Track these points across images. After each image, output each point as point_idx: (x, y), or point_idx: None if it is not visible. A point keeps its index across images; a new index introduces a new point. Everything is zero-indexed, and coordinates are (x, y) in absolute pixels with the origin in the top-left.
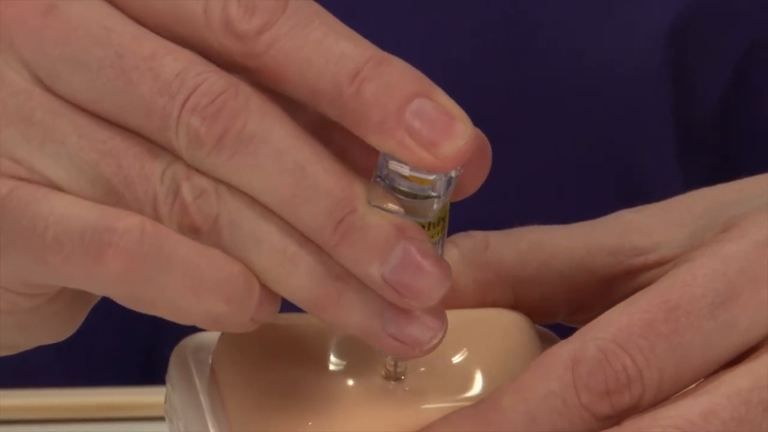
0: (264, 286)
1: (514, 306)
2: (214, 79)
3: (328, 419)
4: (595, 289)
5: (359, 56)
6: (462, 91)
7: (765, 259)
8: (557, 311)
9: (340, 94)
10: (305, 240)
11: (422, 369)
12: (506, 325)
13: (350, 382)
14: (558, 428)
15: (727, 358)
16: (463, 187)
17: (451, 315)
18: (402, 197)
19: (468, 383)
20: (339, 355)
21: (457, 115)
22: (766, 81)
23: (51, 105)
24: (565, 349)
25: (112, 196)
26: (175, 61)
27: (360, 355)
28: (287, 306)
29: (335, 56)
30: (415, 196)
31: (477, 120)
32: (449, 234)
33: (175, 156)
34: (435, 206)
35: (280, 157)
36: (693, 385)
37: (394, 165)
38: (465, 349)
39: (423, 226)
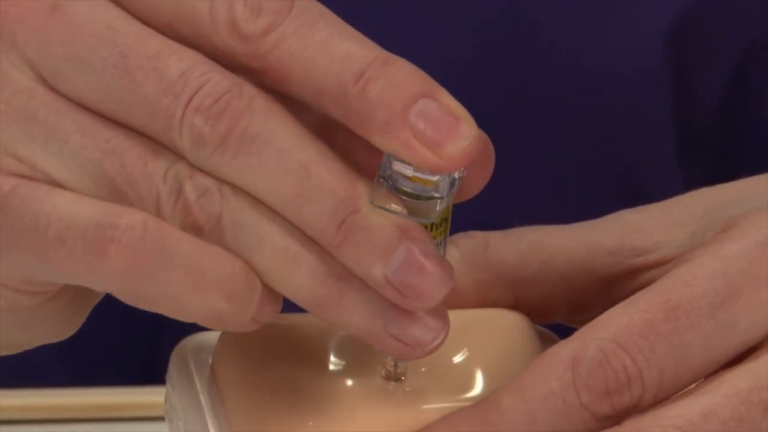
0: (266, 286)
1: (514, 306)
2: (218, 79)
3: (328, 419)
4: (595, 289)
5: (364, 56)
6: (462, 91)
7: (765, 259)
8: (557, 311)
9: (345, 94)
10: (308, 240)
11: (422, 369)
12: (506, 326)
13: (350, 383)
14: (558, 428)
15: (727, 358)
16: (466, 188)
17: (451, 315)
18: (405, 198)
19: (468, 383)
20: (339, 356)
21: (462, 115)
22: (766, 81)
23: (54, 104)
24: (565, 349)
25: (115, 194)
26: (179, 61)
27: (360, 356)
28: (288, 306)
29: (340, 56)
30: (418, 197)
31: (477, 120)
32: (450, 234)
33: (178, 155)
34: (438, 207)
35: (284, 157)
36: (693, 385)
37: (397, 165)
38: (465, 349)
39: (426, 227)
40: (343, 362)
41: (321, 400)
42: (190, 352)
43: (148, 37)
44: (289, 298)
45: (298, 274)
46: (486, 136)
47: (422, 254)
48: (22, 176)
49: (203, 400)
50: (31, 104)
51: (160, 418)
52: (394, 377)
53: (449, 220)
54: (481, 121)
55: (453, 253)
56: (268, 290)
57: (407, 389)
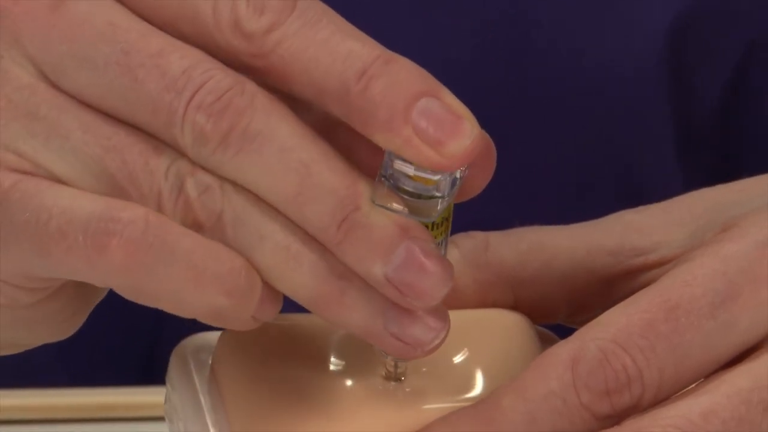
0: (266, 285)
1: (514, 306)
2: (220, 76)
3: (328, 419)
4: (595, 290)
5: (367, 55)
6: (462, 91)
7: (765, 259)
8: (557, 312)
9: (347, 93)
10: (309, 238)
11: (422, 369)
12: (506, 326)
13: (350, 383)
14: (558, 428)
15: (727, 357)
16: (467, 188)
17: (452, 315)
18: (406, 197)
19: (468, 384)
20: (339, 356)
21: (464, 114)
22: (766, 81)
23: (56, 100)
24: (564, 348)
25: (116, 191)
26: (181, 58)
27: (360, 356)
28: (288, 305)
29: (342, 55)
30: (419, 196)
31: (477, 120)
32: (450, 234)
33: (179, 153)
34: (439, 206)
35: (285, 155)
36: (693, 385)
37: (399, 164)
38: (465, 349)
39: (427, 226)
40: (344, 362)
41: (321, 401)
42: (190, 353)
43: (150, 35)
44: (289, 297)
45: (299, 273)
46: (488, 135)
47: (423, 253)
48: (24, 172)
49: (203, 400)
50: (32, 101)
51: (160, 418)
52: (395, 377)
53: (450, 220)
54: (481, 121)
55: (453, 253)
56: (269, 288)
57: (407, 389)
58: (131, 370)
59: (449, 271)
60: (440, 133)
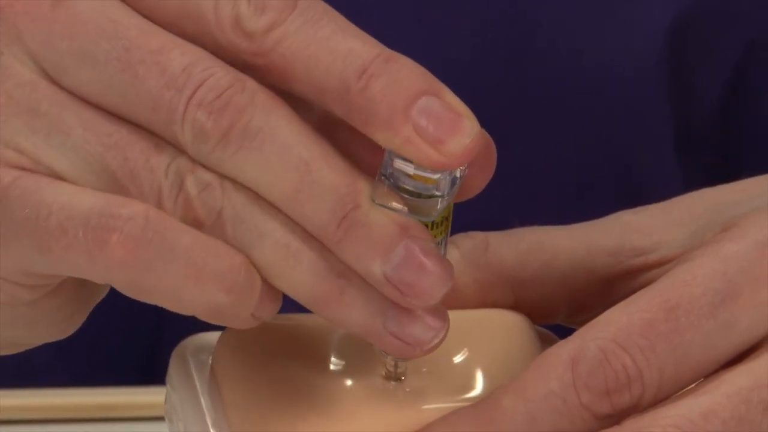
0: (266, 283)
1: (514, 306)
2: (220, 74)
3: (328, 419)
4: (595, 290)
5: (367, 53)
6: (462, 91)
7: (765, 259)
8: (557, 312)
9: (348, 91)
10: (308, 236)
11: (423, 369)
12: (506, 326)
13: (350, 383)
14: (558, 428)
15: (727, 357)
16: (467, 187)
17: (452, 315)
18: (406, 196)
19: (468, 384)
20: (339, 356)
21: (464, 113)
22: (766, 81)
23: (57, 97)
24: (564, 348)
25: (116, 188)
26: (182, 55)
27: (360, 356)
28: (288, 305)
29: (343, 53)
30: (419, 195)
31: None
32: (450, 234)
33: (180, 150)
34: (439, 206)
35: (285, 153)
36: (693, 385)
37: (399, 163)
38: (465, 349)
39: (426, 226)
40: (343, 362)
41: (321, 401)
42: (190, 353)
43: (151, 32)
44: (289, 295)
45: (299, 271)
46: (488, 134)
47: (422, 252)
48: (24, 169)
49: (203, 400)
50: (33, 97)
51: (160, 418)
52: (395, 377)
53: (450, 219)
54: (481, 121)
55: (453, 254)
56: (268, 287)
57: (407, 389)
58: (131, 370)
59: (449, 271)
60: (440, 131)
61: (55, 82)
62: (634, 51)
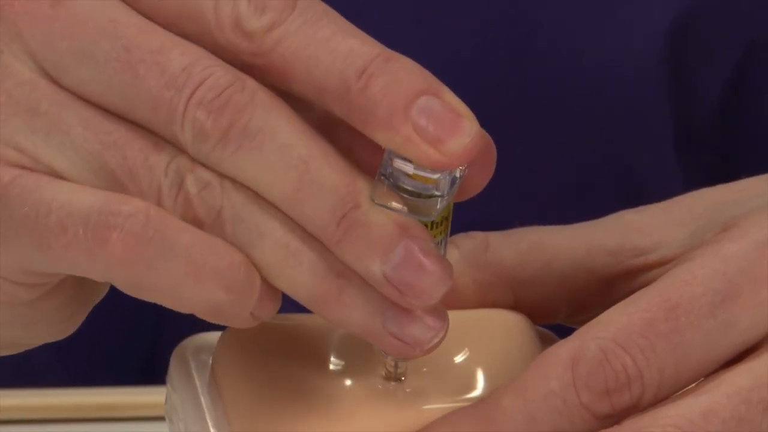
0: (265, 283)
1: (514, 306)
2: (220, 73)
3: (328, 420)
4: (595, 290)
5: (367, 53)
6: (462, 91)
7: (765, 259)
8: (557, 312)
9: (348, 91)
10: (308, 236)
11: (423, 370)
12: (506, 326)
13: (351, 383)
14: (558, 428)
15: (727, 357)
16: (467, 187)
17: (452, 315)
18: (406, 196)
19: (468, 384)
20: (339, 356)
21: (464, 112)
22: (766, 81)
23: (56, 96)
24: (564, 348)
25: (116, 187)
26: (181, 55)
27: (360, 356)
28: (288, 305)
29: (343, 53)
30: (419, 195)
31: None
32: (450, 234)
33: (179, 149)
34: (438, 205)
35: (285, 152)
36: (693, 385)
37: (398, 163)
38: (465, 349)
39: (426, 226)
40: (344, 363)
41: (321, 401)
42: (190, 353)
43: (151, 32)
44: (288, 294)
45: (299, 270)
46: (487, 134)
47: (422, 252)
48: (23, 167)
49: (203, 400)
50: (33, 96)
51: (160, 418)
52: (395, 377)
53: (450, 219)
54: (481, 121)
55: (453, 254)
56: (268, 286)
57: (408, 389)
58: (131, 370)
59: (448, 271)
60: (440, 131)
61: (54, 81)
62: (635, 51)
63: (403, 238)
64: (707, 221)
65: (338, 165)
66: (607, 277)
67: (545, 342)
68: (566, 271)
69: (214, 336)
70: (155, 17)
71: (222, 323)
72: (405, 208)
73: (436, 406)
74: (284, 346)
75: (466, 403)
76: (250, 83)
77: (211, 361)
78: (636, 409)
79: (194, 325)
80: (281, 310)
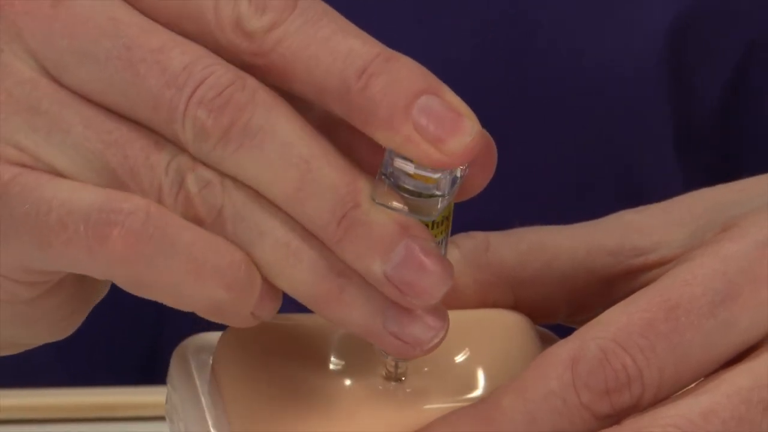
0: (266, 282)
1: (515, 306)
2: (221, 72)
3: (328, 420)
4: (595, 290)
5: (367, 53)
6: (462, 91)
7: (765, 259)
8: (557, 312)
9: (348, 91)
10: (308, 235)
11: (423, 370)
12: (507, 326)
13: (351, 383)
14: (558, 428)
15: (727, 357)
16: (468, 187)
17: (452, 315)
18: (406, 195)
19: (469, 384)
20: (340, 356)
21: (464, 112)
22: (766, 81)
23: (57, 95)
24: (564, 348)
25: (116, 186)
26: (182, 54)
27: (360, 356)
28: (288, 305)
29: (343, 53)
30: (419, 195)
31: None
32: (451, 234)
33: (180, 148)
34: (439, 205)
35: (286, 151)
36: (693, 385)
37: (399, 163)
38: (466, 349)
39: (427, 225)
40: (344, 363)
41: (321, 401)
42: (190, 353)
43: (151, 30)
44: (288, 294)
45: (299, 269)
46: (488, 134)
47: (422, 252)
48: (24, 166)
49: (204, 400)
50: (33, 95)
51: (161, 418)
52: (395, 377)
53: (451, 219)
54: (481, 121)
55: (454, 254)
56: (268, 285)
57: (408, 389)
58: (131, 370)
59: (449, 270)
60: (440, 130)
61: (55, 80)
62: (635, 51)
63: (404, 237)
64: (707, 221)
65: (339, 164)
66: (607, 277)
67: (545, 342)
68: (566, 271)
69: (214, 336)
70: (156, 17)
71: (222, 322)
72: (406, 208)
73: (436, 406)
74: (284, 346)
75: (466, 403)
76: (251, 82)
77: (211, 361)
78: (636, 409)
79: (195, 324)
80: (281, 310)
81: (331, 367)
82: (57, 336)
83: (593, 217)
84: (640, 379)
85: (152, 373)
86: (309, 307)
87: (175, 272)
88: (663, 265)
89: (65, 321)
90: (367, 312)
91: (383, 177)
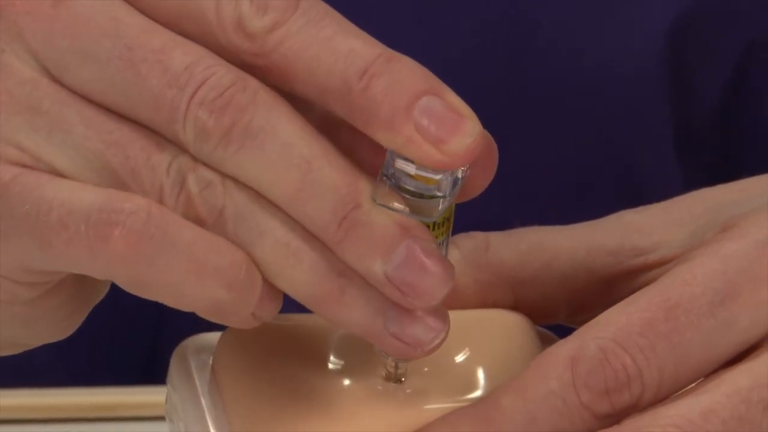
0: (266, 283)
1: (515, 306)
2: (222, 72)
3: (328, 420)
4: (595, 290)
5: (368, 54)
6: (462, 91)
7: (765, 259)
8: (557, 312)
9: (349, 91)
10: (309, 235)
11: (423, 370)
12: (507, 326)
13: (351, 384)
14: (558, 428)
15: (727, 356)
16: (469, 187)
17: (452, 315)
18: (408, 196)
19: (468, 384)
20: (340, 357)
21: (466, 113)
22: (766, 81)
23: (58, 95)
24: (564, 348)
25: (117, 186)
26: (184, 54)
27: (360, 357)
28: (288, 306)
29: (344, 54)
30: (420, 196)
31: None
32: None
33: (181, 149)
34: (440, 206)
35: (287, 152)
36: (693, 384)
37: (400, 164)
38: (466, 349)
39: (428, 226)
40: (344, 363)
41: (321, 401)
42: (190, 353)
43: (153, 31)
44: (289, 294)
45: (299, 270)
46: (489, 135)
47: (423, 253)
48: (24, 166)
49: (204, 400)
50: (34, 95)
51: (160, 418)
52: (395, 378)
53: (452, 220)
54: (481, 121)
55: (454, 254)
56: (269, 286)
57: (408, 390)
58: (131, 370)
59: (450, 271)
60: (442, 131)
61: (56, 81)
62: (635, 51)
63: (405, 238)
64: (707, 221)
65: (340, 165)
66: (607, 277)
67: (545, 342)
68: (566, 271)
69: (214, 336)
70: (156, 17)
71: (223, 322)
72: (407, 209)
73: (436, 407)
74: (284, 347)
75: (466, 404)
76: (252, 83)
77: (211, 361)
78: (636, 408)
79: (195, 325)
80: (281, 310)
81: (331, 367)
82: (57, 336)
83: (593, 217)
84: (640, 379)
85: (152, 373)
86: (309, 307)
87: (176, 272)
88: (663, 265)
89: (65, 321)
90: (367, 313)
91: (384, 178)
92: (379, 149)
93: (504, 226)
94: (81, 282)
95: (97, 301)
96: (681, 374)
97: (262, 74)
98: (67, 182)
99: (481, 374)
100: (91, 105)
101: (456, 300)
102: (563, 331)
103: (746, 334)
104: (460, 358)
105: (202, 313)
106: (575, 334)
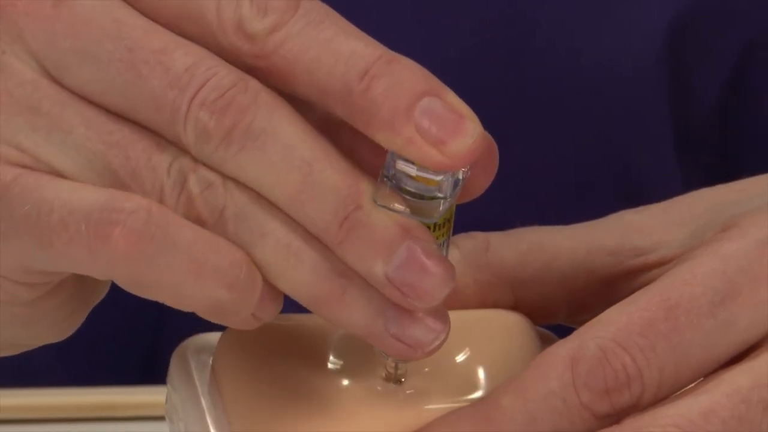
0: (267, 283)
1: (515, 307)
2: (223, 73)
3: (328, 421)
4: (595, 290)
5: (369, 55)
6: (461, 91)
7: (765, 258)
8: (557, 312)
9: (350, 92)
10: (310, 236)
11: (423, 370)
12: (507, 326)
13: (351, 384)
14: (558, 427)
15: (727, 356)
16: (470, 188)
17: (452, 316)
18: (408, 197)
19: (468, 384)
20: (340, 357)
21: (466, 114)
22: (766, 81)
23: (58, 96)
24: (564, 348)
25: (118, 187)
26: (185, 55)
27: (360, 357)
28: (289, 306)
29: (345, 55)
30: (421, 197)
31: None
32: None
33: (182, 149)
34: (441, 207)
35: (288, 153)
36: (693, 384)
37: (401, 165)
38: (466, 350)
39: (428, 227)
40: (344, 364)
41: (321, 402)
42: (190, 353)
43: (154, 32)
44: (290, 295)
45: (300, 270)
46: (490, 136)
47: (424, 254)
48: (25, 167)
49: (204, 400)
50: (35, 96)
51: (160, 418)
52: (395, 379)
53: (452, 221)
54: (481, 121)
55: (454, 254)
56: (269, 287)
57: (408, 390)
58: (131, 370)
59: (450, 272)
60: (442, 132)
61: (56, 81)
62: (633, 51)
63: (406, 239)
64: (707, 221)
65: (341, 166)
66: (607, 277)
67: (545, 342)
68: (566, 271)
69: (214, 336)
70: (156, 18)
71: (223, 323)
72: (407, 210)
73: (436, 407)
74: (284, 347)
75: (466, 404)
76: (253, 84)
77: (211, 361)
78: (636, 408)
79: (195, 325)
80: (282, 311)
81: (331, 367)
82: (57, 337)
83: (593, 217)
84: (640, 379)
85: (152, 373)
86: (310, 308)
87: (176, 272)
88: (663, 265)
89: (65, 322)
90: (368, 313)
91: (385, 179)
92: (379, 150)
93: (504, 226)
94: (81, 282)
95: (97, 302)
96: (681, 374)
97: (263, 76)
98: (68, 183)
99: (481, 374)
100: (91, 106)
101: (456, 300)
102: (563, 331)
103: (746, 333)
104: (460, 358)
105: (203, 314)
106: (575, 334)
